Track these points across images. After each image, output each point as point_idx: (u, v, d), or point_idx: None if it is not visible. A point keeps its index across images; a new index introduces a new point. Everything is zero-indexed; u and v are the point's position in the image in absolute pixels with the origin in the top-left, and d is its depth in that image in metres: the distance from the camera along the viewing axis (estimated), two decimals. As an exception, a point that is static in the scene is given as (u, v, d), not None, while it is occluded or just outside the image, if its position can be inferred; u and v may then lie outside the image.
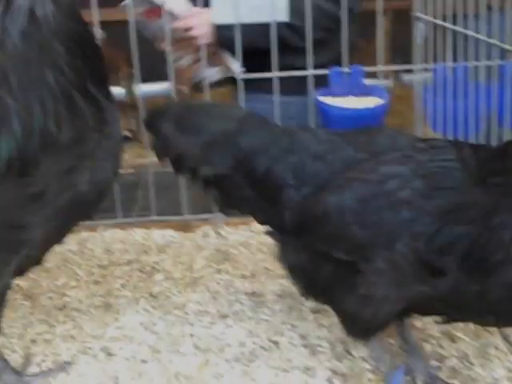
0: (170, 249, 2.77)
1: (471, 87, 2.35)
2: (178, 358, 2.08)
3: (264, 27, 2.66)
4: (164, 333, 2.21)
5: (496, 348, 2.06)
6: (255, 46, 2.76)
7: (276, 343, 2.13)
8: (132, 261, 2.66)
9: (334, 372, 1.98)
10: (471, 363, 2.00)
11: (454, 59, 2.42)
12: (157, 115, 2.10)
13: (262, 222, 2.06)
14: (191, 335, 2.19)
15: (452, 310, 1.79)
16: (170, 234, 2.88)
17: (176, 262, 2.65)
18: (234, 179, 1.97)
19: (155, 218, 2.97)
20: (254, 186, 1.95)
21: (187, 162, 2.00)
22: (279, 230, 1.98)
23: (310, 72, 2.75)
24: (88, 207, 1.92)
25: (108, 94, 1.85)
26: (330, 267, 1.82)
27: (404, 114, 3.75)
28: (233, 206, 2.12)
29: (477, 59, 2.30)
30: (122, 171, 2.32)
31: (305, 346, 2.10)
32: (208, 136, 1.96)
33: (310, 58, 2.75)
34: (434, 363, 1.99)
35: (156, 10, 2.83)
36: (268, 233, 2.03)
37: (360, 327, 1.87)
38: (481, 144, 1.93)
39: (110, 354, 2.11)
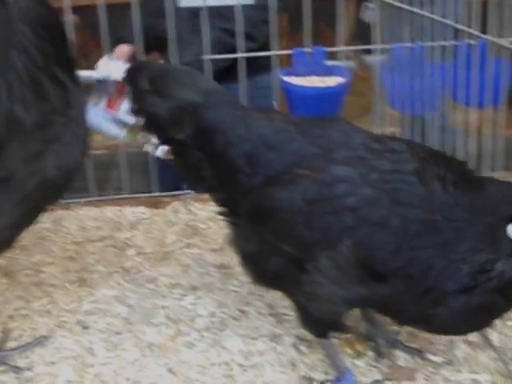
0: (141, 225, 2.84)
1: (427, 66, 2.44)
2: (151, 329, 2.17)
3: None
4: (137, 305, 2.29)
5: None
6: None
7: (244, 313, 2.23)
8: (105, 237, 2.73)
9: (300, 338, 2.08)
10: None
11: (411, 40, 2.50)
12: (136, 69, 2.09)
13: (218, 203, 2.05)
14: (163, 307, 2.28)
15: (389, 313, 1.83)
16: (141, 210, 2.94)
17: (148, 237, 2.72)
18: (194, 152, 1.96)
19: (127, 195, 3.04)
20: (211, 164, 1.95)
21: (156, 121, 2.00)
22: (233, 214, 1.98)
23: (273, 52, 2.81)
24: (56, 191, 1.92)
25: (75, 78, 1.86)
26: (280, 260, 1.83)
27: (366, 93, 3.85)
28: (194, 182, 2.16)
29: (432, 40, 2.38)
30: (95, 151, 2.41)
31: (272, 315, 2.20)
32: (176, 102, 1.95)
33: (274, 40, 2.81)
34: (393, 328, 2.08)
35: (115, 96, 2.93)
36: (222, 214, 2.03)
37: (310, 323, 1.92)
38: (438, 151, 1.93)
39: (85, 327, 2.19)
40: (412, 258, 1.63)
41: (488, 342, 2.02)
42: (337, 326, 1.91)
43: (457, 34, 2.19)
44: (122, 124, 2.89)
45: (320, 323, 1.89)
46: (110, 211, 2.95)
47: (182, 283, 2.41)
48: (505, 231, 1.60)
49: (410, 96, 2.52)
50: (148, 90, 1.97)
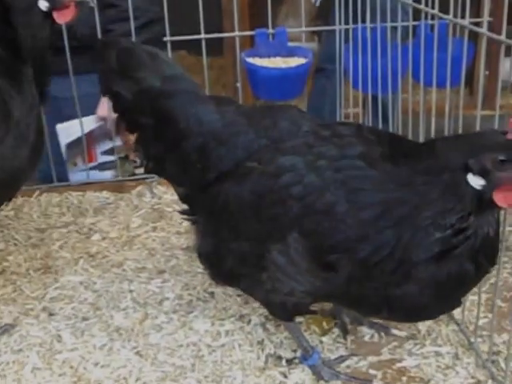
0: (106, 210, 2.84)
1: (388, 47, 2.47)
2: (118, 314, 2.17)
3: None
4: (103, 290, 2.30)
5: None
6: None
7: (211, 294, 2.25)
8: (69, 223, 2.72)
9: (267, 318, 2.10)
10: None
11: (373, 20, 2.52)
12: (107, 45, 2.03)
13: (181, 200, 2.01)
14: (130, 291, 2.29)
15: (352, 304, 1.77)
16: (105, 195, 2.94)
17: (112, 222, 2.73)
18: (155, 143, 1.93)
19: (90, 180, 3.02)
20: (170, 157, 1.92)
21: (121, 103, 1.96)
22: (192, 211, 1.96)
23: (237, 34, 2.81)
24: (3, 194, 1.97)
25: (20, 84, 1.94)
26: (236, 259, 1.80)
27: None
28: (157, 174, 2.12)
29: (393, 20, 2.40)
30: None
31: (238, 296, 2.22)
32: (138, 86, 1.92)
33: (234, 21, 2.81)
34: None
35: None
36: (184, 213, 2.01)
37: (275, 312, 1.93)
38: (387, 132, 1.90)
39: (51, 314, 2.18)
40: (380, 242, 1.57)
41: (450, 316, 2.06)
42: (302, 312, 1.93)
43: (417, 14, 2.21)
44: (109, 165, 2.92)
45: (284, 313, 1.89)
46: (73, 197, 2.94)
47: (149, 267, 2.42)
48: (467, 183, 1.51)
49: (372, 76, 2.54)
50: (115, 70, 1.95)
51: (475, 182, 1.52)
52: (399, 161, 1.62)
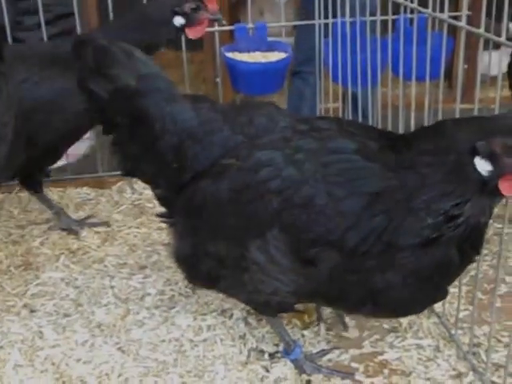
0: (87, 206, 2.83)
1: (368, 40, 2.47)
2: (100, 310, 2.17)
3: None
4: (85, 286, 2.29)
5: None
6: None
7: (193, 289, 2.24)
8: (50, 219, 2.71)
9: (249, 312, 2.11)
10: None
11: (352, 14, 2.53)
12: (83, 43, 1.98)
13: (159, 202, 1.96)
14: (111, 287, 2.28)
15: (336, 302, 1.74)
16: (86, 191, 2.93)
17: (93, 217, 2.72)
18: (132, 143, 1.89)
19: (71, 176, 3.00)
20: (147, 158, 1.88)
21: (97, 102, 1.92)
22: (169, 213, 1.92)
23: (216, 28, 2.80)
24: None
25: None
26: (215, 260, 1.77)
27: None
28: (134, 175, 2.05)
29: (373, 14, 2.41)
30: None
31: (220, 291, 2.23)
32: (113, 84, 1.88)
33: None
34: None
35: None
36: (159, 215, 1.96)
37: (258, 310, 1.93)
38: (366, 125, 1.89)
39: (32, 311, 2.18)
40: (369, 229, 1.52)
41: (431, 309, 2.08)
42: (286, 311, 1.92)
43: (397, 8, 2.21)
44: None
45: (268, 311, 1.89)
46: (53, 193, 2.92)
47: (130, 262, 2.42)
48: (473, 166, 1.44)
49: (352, 70, 2.55)
50: (91, 67, 1.92)
51: (482, 166, 1.45)
52: (401, 148, 1.57)
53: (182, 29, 2.36)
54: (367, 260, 1.56)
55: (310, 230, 1.57)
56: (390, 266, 1.56)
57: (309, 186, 1.58)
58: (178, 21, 2.35)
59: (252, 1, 2.84)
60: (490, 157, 1.44)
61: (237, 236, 1.69)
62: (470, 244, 1.56)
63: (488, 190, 1.47)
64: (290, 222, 1.59)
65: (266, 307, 1.83)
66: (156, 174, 1.89)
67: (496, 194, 1.48)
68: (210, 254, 1.77)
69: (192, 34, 2.38)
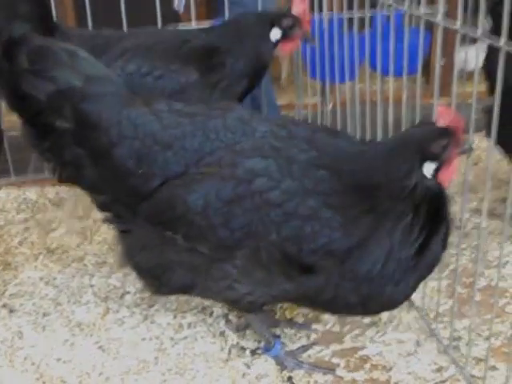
0: (65, 204, 2.80)
1: (346, 37, 2.47)
2: (80, 309, 2.15)
3: None
4: (64, 286, 2.27)
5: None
6: None
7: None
8: (28, 218, 2.69)
9: (229, 309, 2.10)
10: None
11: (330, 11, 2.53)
12: (15, 43, 1.79)
13: (100, 207, 1.86)
14: (91, 286, 2.27)
15: (318, 304, 1.74)
16: (64, 189, 2.90)
17: (72, 216, 2.70)
18: (73, 148, 1.76)
19: (48, 175, 2.97)
20: (94, 164, 1.76)
21: (34, 106, 1.76)
22: (122, 220, 1.83)
23: (194, 26, 2.79)
24: None
25: None
26: (190, 268, 1.72)
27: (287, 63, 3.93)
28: (71, 181, 1.89)
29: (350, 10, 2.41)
30: (13, 133, 2.32)
31: (201, 288, 2.22)
32: (55, 86, 1.74)
33: (191, 12, 2.80)
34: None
35: None
36: (107, 221, 1.88)
37: (237, 310, 1.94)
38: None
39: (11, 311, 2.16)
40: (376, 254, 1.58)
41: (411, 303, 2.09)
42: (256, 308, 1.89)
43: (374, 4, 2.21)
44: None
45: (247, 311, 1.88)
46: (31, 192, 2.90)
47: (110, 261, 2.40)
48: (422, 175, 1.58)
49: (330, 66, 2.55)
50: (26, 69, 1.75)
51: (429, 168, 1.60)
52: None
53: (276, 43, 2.34)
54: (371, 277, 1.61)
55: (313, 241, 1.57)
56: (391, 276, 1.61)
57: (312, 199, 1.58)
58: (275, 35, 2.32)
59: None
60: (434, 158, 1.60)
61: (223, 245, 1.64)
62: (444, 236, 1.66)
63: (433, 187, 1.61)
64: (292, 234, 1.58)
65: (244, 310, 1.84)
66: (106, 180, 1.77)
67: (440, 189, 1.63)
68: (184, 264, 1.72)
69: (285, 49, 2.36)
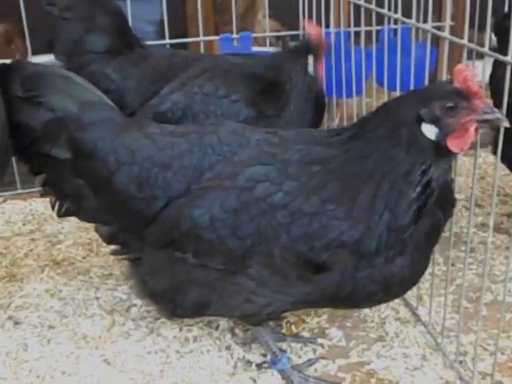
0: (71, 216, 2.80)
1: (353, 50, 2.48)
2: (85, 321, 2.15)
3: None
4: (70, 298, 2.27)
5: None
6: None
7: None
8: (34, 230, 2.69)
9: (235, 322, 2.10)
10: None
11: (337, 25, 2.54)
12: (8, 69, 1.78)
13: (108, 240, 1.87)
14: (97, 298, 2.26)
15: (338, 302, 1.72)
16: (70, 202, 2.91)
17: (79, 228, 2.69)
18: (73, 178, 1.76)
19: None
20: (96, 194, 1.76)
21: (29, 135, 1.76)
22: (131, 249, 1.82)
23: (202, 38, 2.81)
24: None
25: None
26: (204, 286, 1.71)
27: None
28: (75, 214, 1.88)
29: (357, 25, 2.42)
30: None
31: (207, 301, 2.22)
32: (50, 113, 1.74)
33: (199, 26, 2.82)
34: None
35: None
36: (116, 253, 1.88)
37: (247, 322, 1.92)
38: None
39: (17, 323, 2.15)
40: (380, 226, 1.56)
41: (417, 318, 2.09)
42: (275, 318, 1.92)
43: (381, 18, 2.22)
44: None
45: (258, 322, 1.87)
46: (37, 204, 2.90)
47: (116, 273, 2.40)
48: (422, 134, 1.55)
49: (336, 79, 2.56)
50: (19, 97, 1.74)
51: (429, 131, 1.56)
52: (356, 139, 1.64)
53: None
54: (379, 254, 1.59)
55: (324, 236, 1.58)
56: (400, 249, 1.61)
57: (314, 195, 1.59)
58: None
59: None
60: (434, 120, 1.55)
61: (234, 256, 1.64)
62: (446, 200, 1.65)
63: (441, 151, 1.57)
64: (302, 232, 1.58)
65: (255, 317, 1.81)
66: (109, 208, 1.77)
67: (448, 153, 1.58)
68: (197, 283, 1.71)
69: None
